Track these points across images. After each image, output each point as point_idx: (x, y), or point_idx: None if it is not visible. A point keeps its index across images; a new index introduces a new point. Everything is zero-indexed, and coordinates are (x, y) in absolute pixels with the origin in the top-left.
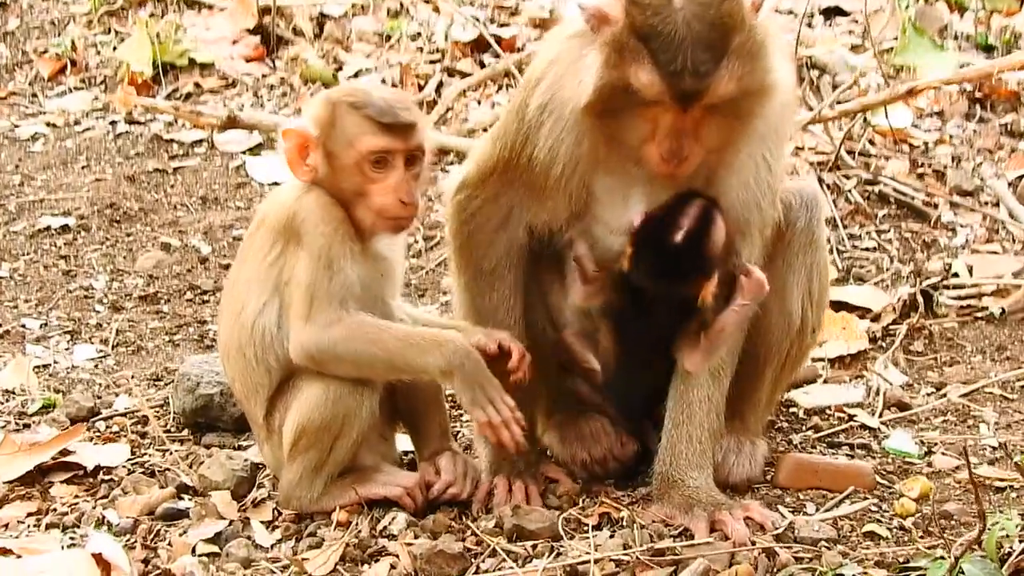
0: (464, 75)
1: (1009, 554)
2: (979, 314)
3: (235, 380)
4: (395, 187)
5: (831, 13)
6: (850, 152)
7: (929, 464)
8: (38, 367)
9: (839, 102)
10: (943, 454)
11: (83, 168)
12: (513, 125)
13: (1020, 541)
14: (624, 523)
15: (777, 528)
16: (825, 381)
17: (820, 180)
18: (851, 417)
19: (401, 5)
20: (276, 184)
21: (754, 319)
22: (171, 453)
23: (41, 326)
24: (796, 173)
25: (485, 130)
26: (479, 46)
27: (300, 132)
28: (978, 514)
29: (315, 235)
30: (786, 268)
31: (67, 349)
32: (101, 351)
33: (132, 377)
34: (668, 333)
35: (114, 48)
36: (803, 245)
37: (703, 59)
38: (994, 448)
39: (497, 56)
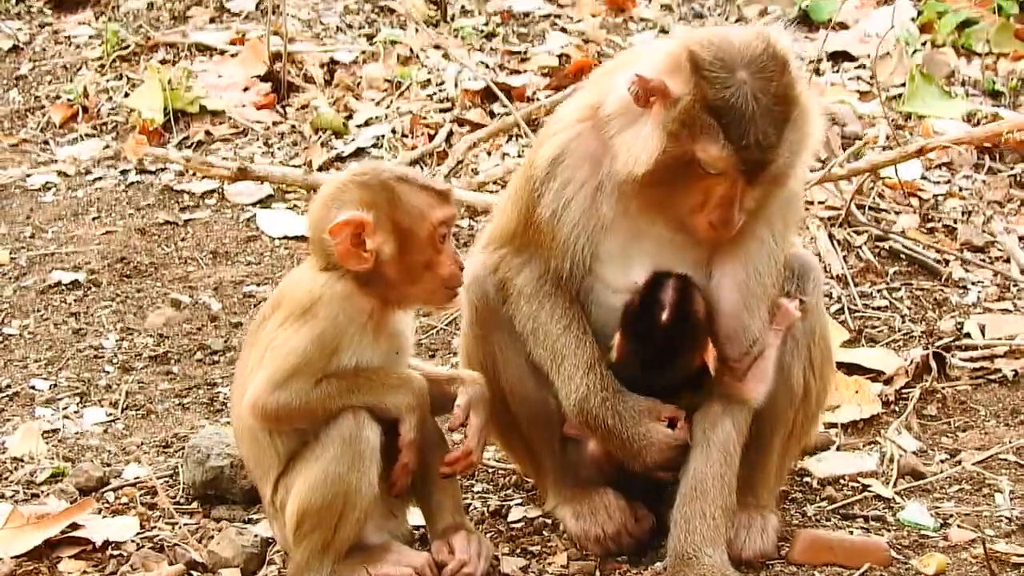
0: (474, 125)
1: None
2: (992, 376)
3: (249, 460)
4: (454, 255)
5: (838, 58)
6: (860, 206)
7: (945, 538)
8: (47, 432)
9: (849, 160)
10: (959, 526)
11: (94, 220)
12: (526, 189)
13: None
14: None
15: None
16: (839, 448)
17: (831, 236)
18: (865, 488)
19: (411, 52)
20: (287, 237)
21: None
22: (181, 527)
23: (50, 387)
24: (805, 229)
25: (495, 183)
26: (489, 94)
27: (355, 220)
28: None
29: (331, 321)
30: (784, 339)
31: (76, 412)
32: (110, 414)
33: (141, 445)
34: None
35: (126, 94)
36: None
37: (769, 132)
38: (1010, 520)
39: (506, 104)
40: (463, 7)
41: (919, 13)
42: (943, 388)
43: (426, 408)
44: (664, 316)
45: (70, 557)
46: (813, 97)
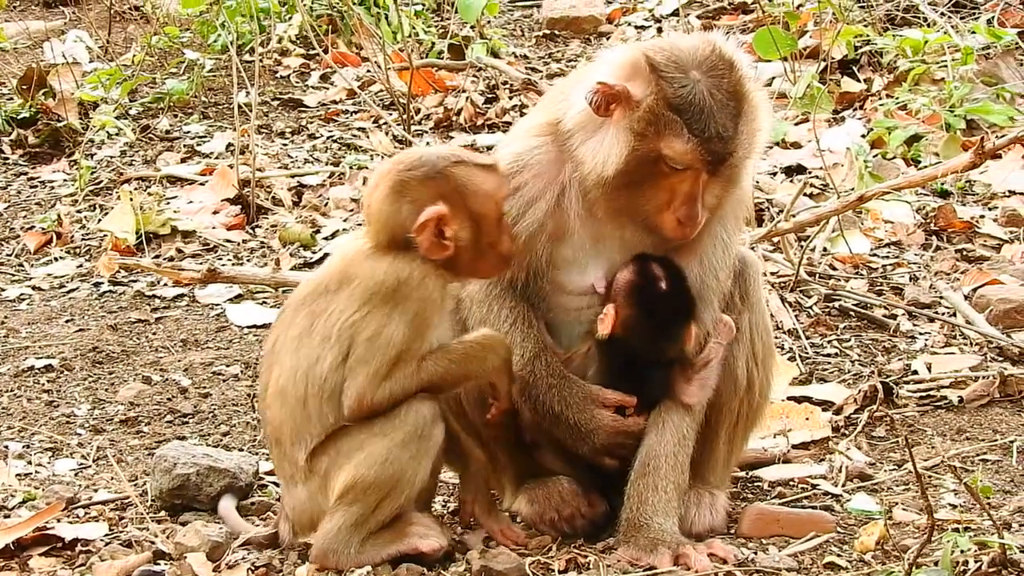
0: None
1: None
2: (939, 404)
3: (283, 424)
4: (509, 227)
5: (791, 171)
6: (811, 274)
7: (890, 518)
8: (19, 474)
9: (794, 215)
10: (904, 509)
11: (67, 322)
12: None
13: (975, 560)
14: (591, 567)
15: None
16: (787, 461)
17: (782, 299)
18: (814, 487)
19: None
20: (255, 326)
21: None
22: (148, 530)
23: (24, 447)
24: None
25: None
26: None
27: (435, 215)
28: (926, 510)
29: (423, 301)
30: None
31: (48, 463)
32: (81, 463)
33: (112, 479)
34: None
35: (98, 220)
36: (740, 308)
37: (727, 125)
38: (954, 507)
39: None
40: (428, 143)
41: (869, 131)
42: (891, 413)
43: (511, 362)
44: (662, 285)
45: (40, 555)
46: (762, 95)
